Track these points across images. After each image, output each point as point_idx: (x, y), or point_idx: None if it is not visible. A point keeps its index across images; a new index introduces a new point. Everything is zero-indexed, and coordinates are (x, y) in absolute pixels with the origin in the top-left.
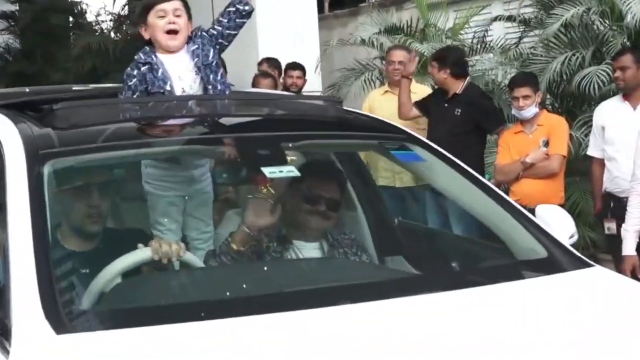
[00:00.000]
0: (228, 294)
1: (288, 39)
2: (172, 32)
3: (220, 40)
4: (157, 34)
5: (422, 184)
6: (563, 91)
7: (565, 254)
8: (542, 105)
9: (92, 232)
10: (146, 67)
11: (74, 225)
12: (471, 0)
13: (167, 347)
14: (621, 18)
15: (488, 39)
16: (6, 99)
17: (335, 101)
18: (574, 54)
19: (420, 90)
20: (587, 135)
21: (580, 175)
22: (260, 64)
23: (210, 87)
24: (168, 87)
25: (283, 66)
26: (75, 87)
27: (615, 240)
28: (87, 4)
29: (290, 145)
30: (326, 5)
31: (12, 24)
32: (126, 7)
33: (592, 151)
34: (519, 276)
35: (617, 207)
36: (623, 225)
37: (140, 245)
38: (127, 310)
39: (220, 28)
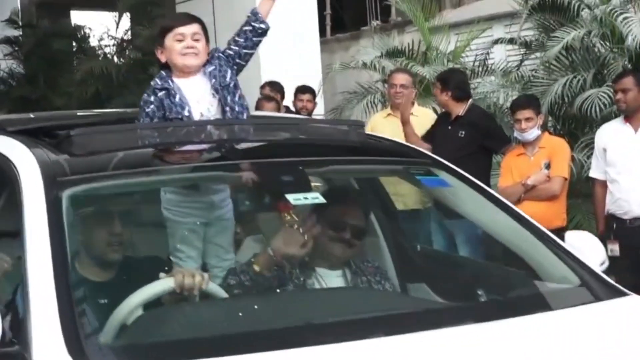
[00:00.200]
0: (255, 326)
1: (290, 62)
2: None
3: (237, 61)
4: (174, 57)
5: (426, 207)
6: (565, 113)
7: (599, 282)
8: (543, 127)
9: (112, 261)
10: (163, 92)
11: (94, 254)
12: (472, 23)
13: None
14: (622, 40)
15: (489, 61)
16: (18, 125)
17: (357, 125)
18: (575, 77)
19: (422, 113)
20: (589, 157)
21: (583, 197)
22: (262, 87)
23: (228, 108)
24: (186, 113)
25: (286, 89)
26: (91, 112)
27: (618, 262)
28: (90, 29)
29: (314, 170)
30: (328, 28)
31: (16, 49)
32: (129, 32)
33: (594, 173)
34: (552, 306)
35: (619, 228)
36: None
37: (162, 274)
38: (151, 345)
39: (237, 48)
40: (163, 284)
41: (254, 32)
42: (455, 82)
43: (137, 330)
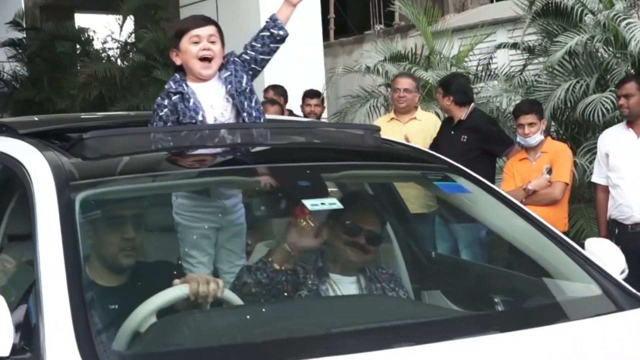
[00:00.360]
0: (272, 336)
1: (293, 65)
2: (206, 59)
3: (253, 66)
4: (190, 60)
5: (432, 211)
6: (567, 118)
7: (621, 291)
8: (546, 132)
9: (125, 267)
10: (177, 96)
11: (106, 259)
12: (475, 28)
13: None
14: (625, 46)
15: (492, 66)
16: (29, 128)
17: (373, 129)
18: (578, 82)
19: (426, 117)
20: (591, 162)
21: (585, 202)
22: (266, 91)
23: (245, 114)
24: (200, 117)
25: (289, 93)
26: (99, 115)
27: None
28: (94, 32)
29: (330, 175)
30: (331, 32)
31: (20, 51)
32: (133, 35)
33: (596, 178)
34: (572, 316)
35: (621, 234)
36: None
37: (176, 281)
38: (167, 353)
39: (253, 53)
40: (177, 291)
41: (272, 38)
42: (456, 86)
43: (152, 338)
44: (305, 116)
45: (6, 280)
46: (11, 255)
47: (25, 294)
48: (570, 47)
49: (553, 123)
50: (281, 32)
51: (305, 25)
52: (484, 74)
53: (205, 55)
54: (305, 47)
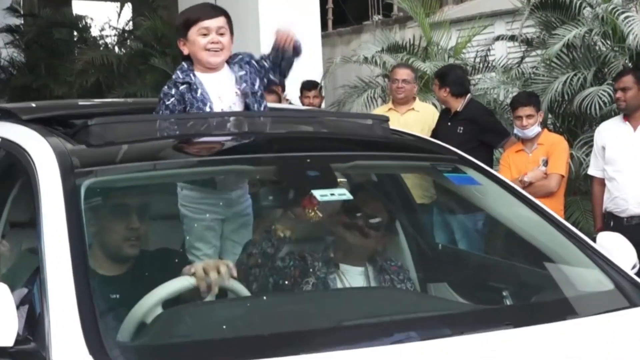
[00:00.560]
0: (280, 327)
1: None
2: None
3: (269, 75)
4: (197, 51)
5: (440, 202)
6: (564, 111)
7: (634, 287)
8: (542, 124)
9: (130, 256)
10: (184, 86)
11: (111, 249)
12: (474, 19)
13: None
14: (623, 39)
15: (490, 58)
16: (31, 113)
17: (381, 120)
18: (575, 74)
19: (424, 108)
20: (588, 155)
21: (581, 194)
22: None
23: None
24: (207, 109)
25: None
26: (103, 101)
27: None
28: (91, 19)
29: (339, 165)
30: (330, 23)
31: (17, 37)
32: (130, 22)
33: (592, 171)
34: (584, 312)
35: (617, 227)
36: None
37: (184, 269)
38: (173, 345)
39: (270, 65)
40: (183, 282)
41: (290, 63)
42: (453, 77)
43: (158, 329)
44: None
45: (9, 268)
46: (14, 243)
47: (29, 282)
48: (568, 39)
49: (550, 115)
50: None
51: (304, 15)
52: (481, 65)
53: (214, 48)
54: (303, 36)
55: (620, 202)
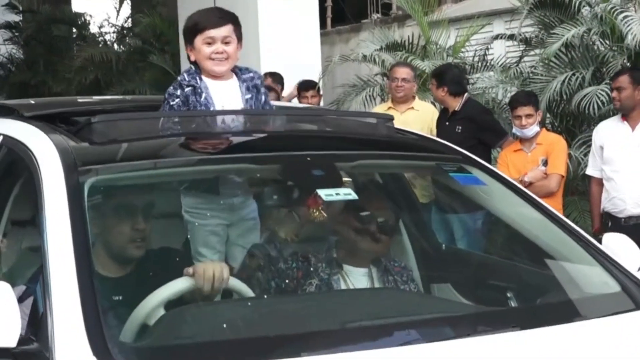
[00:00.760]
0: (284, 328)
1: (290, 53)
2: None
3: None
4: (202, 60)
5: (443, 202)
6: (563, 110)
7: None
8: (540, 124)
9: (134, 258)
10: (189, 89)
11: (115, 249)
12: (472, 18)
13: None
14: (621, 39)
15: (489, 57)
16: (33, 110)
17: (386, 118)
18: (574, 74)
19: (423, 107)
20: (586, 154)
21: (579, 194)
22: (264, 78)
23: None
24: None
25: (285, 80)
26: (102, 98)
27: None
28: (90, 16)
29: (343, 165)
30: (328, 21)
31: (16, 34)
32: (129, 20)
33: (590, 171)
34: (589, 314)
35: (614, 227)
36: None
37: (186, 270)
38: (176, 346)
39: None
40: (185, 282)
41: None
42: (450, 77)
43: (160, 330)
44: None
45: (11, 267)
46: (17, 241)
47: (31, 282)
48: (567, 39)
49: (548, 115)
50: None
51: (303, 13)
52: (480, 64)
53: (218, 58)
54: (302, 34)
55: (618, 203)
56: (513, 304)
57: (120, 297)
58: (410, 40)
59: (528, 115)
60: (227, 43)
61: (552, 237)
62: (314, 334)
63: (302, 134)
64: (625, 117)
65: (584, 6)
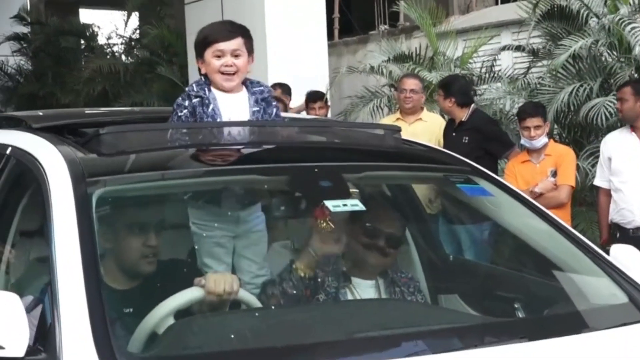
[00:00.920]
0: (293, 339)
1: (298, 64)
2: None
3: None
4: (211, 73)
5: (451, 213)
6: (570, 121)
7: None
8: (548, 135)
9: (144, 273)
10: (197, 100)
11: (122, 261)
12: (480, 29)
13: None
14: (629, 50)
15: (496, 68)
16: (41, 122)
17: (393, 130)
18: (581, 85)
19: (431, 118)
20: (594, 165)
21: (587, 205)
22: (273, 89)
23: None
24: None
25: (293, 91)
26: (110, 110)
27: None
28: (98, 27)
29: (351, 176)
30: (336, 32)
31: (24, 45)
32: (137, 31)
33: (598, 182)
34: (597, 325)
35: (623, 238)
36: None
37: (197, 280)
38: (184, 357)
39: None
40: (194, 292)
41: None
42: (457, 87)
43: (169, 340)
44: None
45: (20, 278)
46: (25, 252)
47: (40, 292)
48: (575, 50)
49: (556, 126)
50: None
51: (310, 25)
52: (487, 75)
53: (227, 72)
54: (309, 46)
55: (626, 214)
56: (521, 315)
57: (128, 308)
58: (418, 52)
59: (537, 127)
60: (236, 56)
61: (560, 248)
62: (322, 345)
63: (309, 145)
64: (633, 128)
65: (591, 17)
